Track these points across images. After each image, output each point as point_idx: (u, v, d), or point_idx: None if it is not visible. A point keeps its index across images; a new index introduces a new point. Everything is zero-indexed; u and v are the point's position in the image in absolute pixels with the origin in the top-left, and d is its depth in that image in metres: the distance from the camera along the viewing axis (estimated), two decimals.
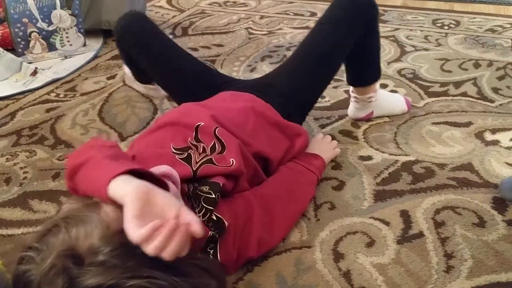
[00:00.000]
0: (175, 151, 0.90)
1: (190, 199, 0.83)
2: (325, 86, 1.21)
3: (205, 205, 0.82)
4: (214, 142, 0.93)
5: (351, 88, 1.32)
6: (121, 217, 0.65)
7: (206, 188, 0.84)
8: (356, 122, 1.35)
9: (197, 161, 0.89)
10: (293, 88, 1.15)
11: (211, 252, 0.81)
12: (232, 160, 0.90)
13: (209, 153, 0.91)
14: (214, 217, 0.81)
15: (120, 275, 0.62)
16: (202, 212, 0.81)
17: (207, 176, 0.87)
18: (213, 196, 0.83)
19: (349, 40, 1.15)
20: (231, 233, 0.83)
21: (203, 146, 0.91)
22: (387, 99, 1.38)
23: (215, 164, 0.89)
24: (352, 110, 1.36)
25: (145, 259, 0.63)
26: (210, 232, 0.80)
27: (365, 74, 1.27)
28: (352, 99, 1.33)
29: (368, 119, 1.35)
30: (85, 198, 0.75)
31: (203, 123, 0.94)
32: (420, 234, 0.95)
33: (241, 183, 0.92)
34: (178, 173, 0.82)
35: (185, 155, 0.89)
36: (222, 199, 0.86)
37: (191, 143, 0.92)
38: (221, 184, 0.86)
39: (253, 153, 0.98)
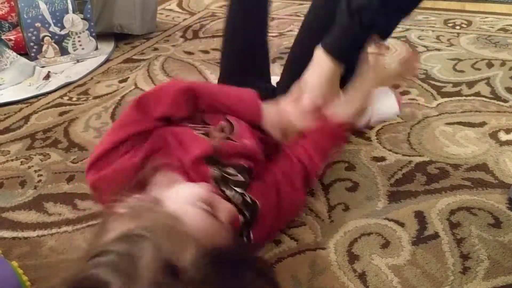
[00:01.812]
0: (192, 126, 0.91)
1: (218, 182, 0.83)
2: None
3: (235, 188, 0.82)
4: (226, 124, 0.95)
5: None
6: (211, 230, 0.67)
7: (232, 170, 0.85)
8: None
9: (216, 137, 0.90)
10: None
11: (245, 235, 0.81)
12: (246, 141, 0.92)
13: (227, 132, 0.92)
14: (248, 200, 0.82)
15: None
16: (239, 200, 0.82)
17: (227, 154, 0.87)
18: (242, 179, 0.83)
19: None
20: (264, 213, 0.84)
21: (219, 127, 0.93)
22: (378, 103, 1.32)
23: (234, 141, 0.90)
24: None
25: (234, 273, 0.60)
26: (242, 218, 0.80)
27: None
28: None
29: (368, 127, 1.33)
30: (154, 203, 0.71)
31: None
32: (436, 235, 0.94)
33: (259, 164, 0.93)
34: (199, 149, 0.84)
35: (203, 131, 0.90)
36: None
37: (205, 123, 0.94)
38: (246, 166, 0.86)
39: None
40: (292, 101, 1.05)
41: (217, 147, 0.87)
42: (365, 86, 1.07)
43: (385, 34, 1.01)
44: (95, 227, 0.74)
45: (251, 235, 0.82)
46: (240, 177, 0.85)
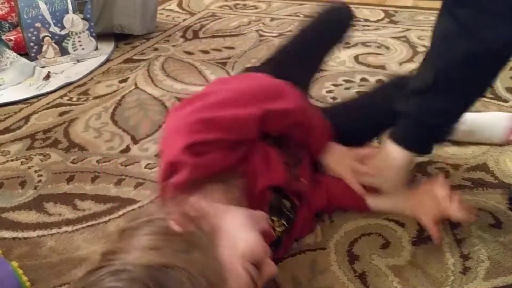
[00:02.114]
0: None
1: (272, 210, 0.83)
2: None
3: (284, 223, 0.85)
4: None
5: None
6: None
7: (287, 204, 0.87)
8: None
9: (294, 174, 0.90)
10: None
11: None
12: (305, 181, 0.93)
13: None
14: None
15: None
16: (281, 229, 0.85)
17: (292, 190, 0.89)
18: (292, 216, 0.86)
19: None
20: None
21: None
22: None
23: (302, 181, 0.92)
24: None
25: None
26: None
27: None
28: None
29: None
30: (205, 241, 0.64)
31: None
32: None
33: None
34: (278, 177, 0.84)
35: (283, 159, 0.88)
36: None
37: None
38: (297, 204, 0.89)
39: None
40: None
41: (290, 182, 0.87)
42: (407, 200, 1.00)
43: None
44: (135, 213, 0.71)
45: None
46: (291, 214, 0.87)
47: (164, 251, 0.58)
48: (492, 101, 1.43)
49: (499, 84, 1.53)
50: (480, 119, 1.21)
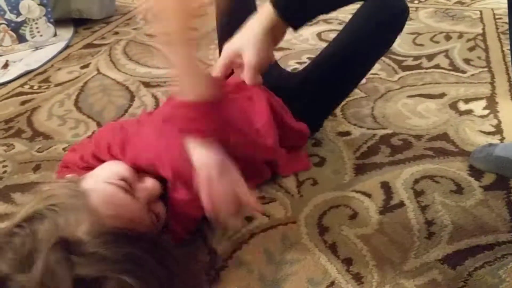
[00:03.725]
0: None
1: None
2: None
3: None
4: None
5: None
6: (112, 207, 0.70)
7: None
8: None
9: None
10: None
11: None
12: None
13: None
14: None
15: (109, 267, 0.62)
16: None
17: None
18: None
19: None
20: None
21: None
22: None
23: None
24: None
25: (135, 254, 0.64)
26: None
27: None
28: None
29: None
30: (71, 183, 0.76)
31: None
32: (401, 204, 0.98)
33: None
34: None
35: None
36: None
37: None
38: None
39: None
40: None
41: None
42: None
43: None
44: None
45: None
46: None
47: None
48: (451, 72, 1.48)
49: (457, 56, 1.57)
50: None
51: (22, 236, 0.65)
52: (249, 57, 0.83)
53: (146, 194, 0.79)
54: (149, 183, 0.82)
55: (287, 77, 1.23)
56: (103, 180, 0.77)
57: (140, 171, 0.84)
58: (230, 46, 0.87)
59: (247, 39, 0.84)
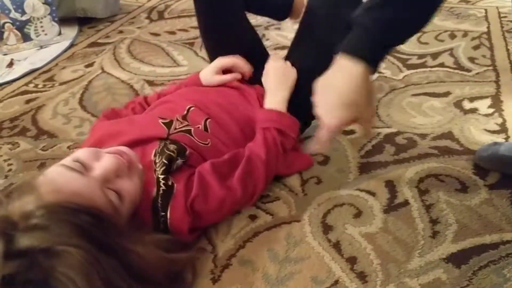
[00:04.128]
0: (160, 117, 0.99)
1: (156, 155, 0.90)
2: None
3: (165, 161, 0.87)
4: (200, 126, 1.00)
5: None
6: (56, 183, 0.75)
7: (172, 147, 0.90)
8: None
9: (177, 127, 0.97)
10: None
11: (162, 215, 0.85)
12: (209, 141, 0.97)
13: (190, 125, 0.98)
14: (169, 181, 0.86)
15: (53, 239, 0.64)
16: (162, 168, 0.87)
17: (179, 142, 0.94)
18: (175, 155, 0.89)
19: None
20: (182, 201, 0.85)
21: (187, 123, 0.99)
22: None
23: (191, 136, 0.95)
24: None
25: (79, 227, 0.67)
26: (155, 192, 0.85)
27: None
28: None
29: None
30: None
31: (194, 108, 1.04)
32: (405, 203, 0.98)
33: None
34: (154, 132, 0.95)
35: (168, 120, 0.98)
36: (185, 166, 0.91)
37: (177, 119, 1.00)
38: (188, 151, 0.92)
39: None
40: None
41: (168, 135, 0.95)
42: None
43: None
44: None
45: (168, 218, 0.85)
46: (174, 154, 0.89)
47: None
48: (456, 71, 1.47)
49: (462, 55, 1.56)
50: None
51: None
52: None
53: (101, 172, 0.79)
54: (106, 161, 0.81)
55: None
56: (59, 164, 0.80)
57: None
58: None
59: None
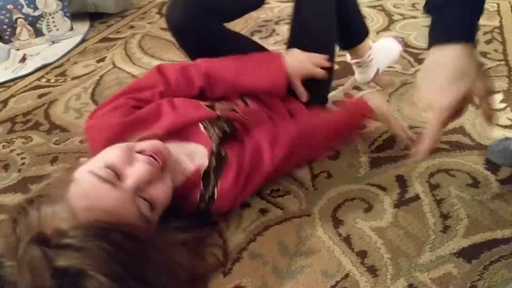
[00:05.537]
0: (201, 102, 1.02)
1: (208, 129, 0.94)
2: None
3: (218, 134, 0.92)
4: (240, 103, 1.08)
5: (348, 57, 1.34)
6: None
7: (223, 122, 0.95)
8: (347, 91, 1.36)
9: (221, 108, 1.00)
10: None
11: (210, 185, 0.88)
12: (253, 115, 1.02)
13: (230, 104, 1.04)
14: (222, 152, 0.90)
15: (85, 262, 0.64)
16: (217, 142, 0.91)
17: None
18: (228, 130, 0.94)
19: None
20: (234, 173, 0.89)
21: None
22: (382, 49, 1.39)
23: (236, 112, 0.99)
24: (359, 76, 1.38)
25: (110, 253, 0.66)
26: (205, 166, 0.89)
27: (356, 31, 1.30)
28: (354, 66, 1.36)
29: (377, 77, 1.39)
30: (66, 171, 0.80)
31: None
32: (416, 197, 0.97)
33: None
34: (202, 114, 0.96)
35: (209, 103, 1.01)
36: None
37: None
38: (236, 125, 0.96)
39: None
40: None
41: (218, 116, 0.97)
42: None
43: None
44: None
45: (217, 187, 0.88)
46: (226, 128, 0.94)
47: None
48: None
49: None
50: (378, 47, 1.39)
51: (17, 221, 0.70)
52: None
53: (133, 182, 0.76)
54: (139, 169, 0.78)
55: None
56: (88, 170, 0.76)
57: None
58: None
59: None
